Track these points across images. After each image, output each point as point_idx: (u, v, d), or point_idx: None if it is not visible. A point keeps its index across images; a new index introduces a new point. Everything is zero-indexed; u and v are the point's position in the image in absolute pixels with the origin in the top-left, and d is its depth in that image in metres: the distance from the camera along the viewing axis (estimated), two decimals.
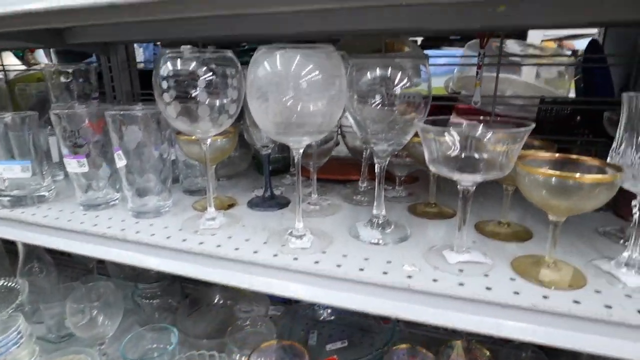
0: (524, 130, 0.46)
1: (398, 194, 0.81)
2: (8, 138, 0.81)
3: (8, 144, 0.82)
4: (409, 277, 0.51)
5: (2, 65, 1.53)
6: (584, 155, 0.50)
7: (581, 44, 2.28)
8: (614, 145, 0.50)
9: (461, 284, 0.49)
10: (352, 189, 0.84)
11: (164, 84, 0.57)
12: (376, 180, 0.62)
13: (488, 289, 0.48)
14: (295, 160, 0.59)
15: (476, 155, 0.48)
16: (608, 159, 0.50)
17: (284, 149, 0.96)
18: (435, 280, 0.50)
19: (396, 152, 0.63)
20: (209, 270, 0.61)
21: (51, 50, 1.52)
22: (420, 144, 0.66)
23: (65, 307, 0.99)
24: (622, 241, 0.60)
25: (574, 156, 0.49)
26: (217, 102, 0.59)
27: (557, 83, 1.27)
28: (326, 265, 0.55)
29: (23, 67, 1.76)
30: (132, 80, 1.29)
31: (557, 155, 0.51)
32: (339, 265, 0.55)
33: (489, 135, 0.46)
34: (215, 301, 1.26)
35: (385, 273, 0.52)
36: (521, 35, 1.41)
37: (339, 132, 0.91)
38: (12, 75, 1.62)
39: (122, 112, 0.68)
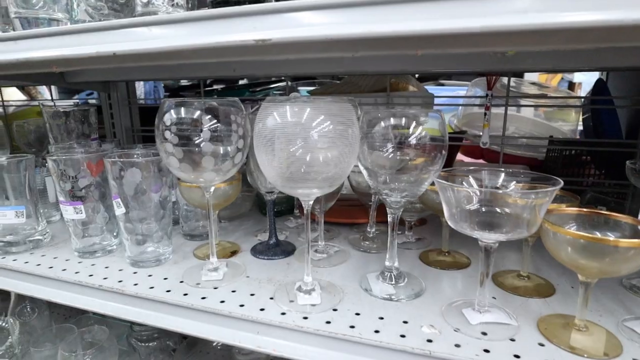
0: (552, 190, 0.43)
1: (408, 240, 0.78)
2: (4, 180, 0.78)
3: (3, 185, 0.79)
4: (429, 341, 0.48)
5: (2, 100, 1.52)
6: (601, 200, 0.48)
7: (577, 77, 2.31)
8: None
9: (487, 351, 0.45)
10: (360, 234, 0.81)
11: (167, 133, 0.55)
12: (389, 231, 0.59)
13: (517, 357, 0.44)
14: (305, 211, 0.56)
15: (501, 211, 0.45)
16: None
17: None
18: (457, 346, 0.46)
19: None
20: (212, 328, 0.57)
21: None
22: (433, 191, 0.64)
23: (57, 351, 0.94)
24: None
25: (604, 212, 0.47)
26: (222, 151, 0.57)
27: (557, 115, 1.26)
28: (339, 325, 0.51)
29: (23, 100, 1.75)
30: (132, 116, 1.28)
31: (584, 210, 0.48)
32: (352, 327, 0.51)
33: (512, 187, 0.44)
34: (214, 344, 1.21)
35: (402, 336, 0.49)
36: (516, 72, 1.42)
37: None
38: (12, 108, 1.61)
39: (121, 160, 0.65)
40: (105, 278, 0.66)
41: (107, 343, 0.99)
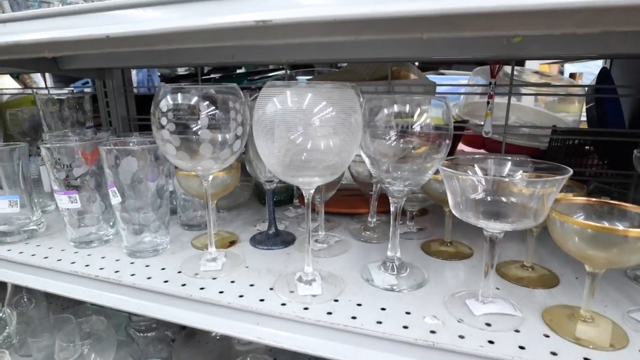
0: (561, 179, 0.42)
1: (409, 230, 0.77)
2: None
3: None
4: (432, 332, 0.47)
5: None
6: (605, 189, 0.47)
7: (577, 68, 2.29)
8: None
9: (491, 342, 0.45)
10: (361, 224, 0.80)
11: (164, 120, 0.53)
12: (391, 221, 0.58)
13: (521, 348, 0.44)
14: (306, 200, 0.54)
15: (507, 200, 0.44)
16: None
17: None
18: (461, 337, 0.46)
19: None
20: (211, 319, 0.56)
21: None
22: (435, 180, 0.63)
23: (55, 341, 0.93)
24: None
25: (612, 201, 0.46)
26: (220, 138, 0.55)
27: (557, 107, 1.25)
28: (340, 316, 0.50)
29: (17, 89, 1.72)
30: (128, 105, 1.25)
31: (592, 199, 0.47)
32: (354, 317, 0.50)
33: (519, 176, 0.43)
34: (213, 334, 1.20)
35: (405, 327, 0.48)
36: (519, 60, 1.40)
37: None
38: (6, 97, 1.58)
39: (117, 147, 0.63)
40: (101, 268, 0.65)
41: (105, 333, 0.98)
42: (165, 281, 0.60)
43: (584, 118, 1.13)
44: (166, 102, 0.54)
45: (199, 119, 0.54)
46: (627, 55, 0.92)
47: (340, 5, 0.37)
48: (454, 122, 1.16)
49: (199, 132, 0.54)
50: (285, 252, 0.70)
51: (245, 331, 0.54)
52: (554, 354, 0.43)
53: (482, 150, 1.19)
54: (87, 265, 0.66)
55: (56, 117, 0.90)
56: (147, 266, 0.65)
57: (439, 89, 1.02)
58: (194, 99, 0.54)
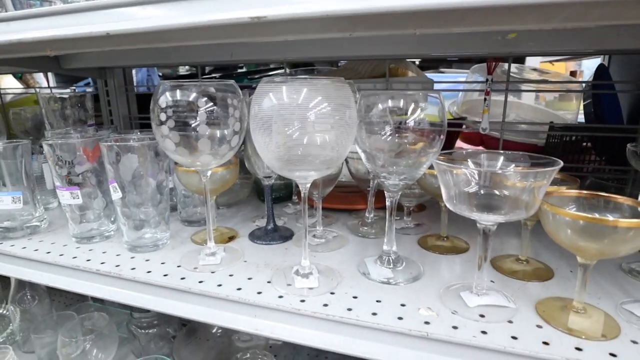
0: (552, 170, 0.42)
1: (406, 225, 0.77)
2: (0, 166, 0.78)
3: (0, 171, 0.78)
4: (427, 323, 0.47)
5: None
6: (601, 185, 0.47)
7: (578, 66, 2.29)
8: None
9: (484, 332, 0.45)
10: (359, 220, 0.81)
11: (162, 116, 0.54)
12: (387, 215, 0.58)
13: (514, 338, 0.44)
14: (302, 195, 0.55)
15: (500, 192, 0.45)
16: None
17: None
18: (455, 328, 0.46)
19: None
20: (209, 311, 0.57)
21: None
22: (431, 175, 0.64)
23: (58, 338, 0.94)
24: None
25: (603, 194, 0.46)
26: (219, 134, 0.56)
27: (558, 104, 1.25)
28: (336, 308, 0.51)
29: (20, 89, 1.73)
30: (129, 104, 1.27)
31: (584, 192, 0.48)
32: (349, 309, 0.51)
33: (512, 170, 0.43)
34: (214, 330, 1.21)
35: (400, 318, 0.49)
36: (519, 58, 1.40)
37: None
38: (9, 97, 1.60)
39: (117, 143, 0.64)
40: (102, 263, 0.66)
41: (107, 330, 0.99)
42: (165, 275, 0.61)
43: (581, 115, 1.13)
44: (165, 99, 0.55)
45: (197, 115, 0.54)
46: (623, 51, 0.92)
47: (332, 1, 0.38)
48: (453, 119, 1.18)
49: (197, 128, 0.55)
50: (283, 247, 0.71)
51: (242, 323, 0.55)
52: (545, 343, 0.43)
53: (480, 148, 1.19)
54: (88, 260, 0.67)
55: (58, 116, 0.91)
56: (147, 260, 0.66)
57: (436, 86, 1.03)
58: (193, 95, 0.54)
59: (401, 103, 0.52)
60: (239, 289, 0.56)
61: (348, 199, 0.89)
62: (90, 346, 0.98)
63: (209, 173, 0.62)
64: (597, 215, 0.45)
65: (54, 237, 0.78)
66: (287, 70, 1.42)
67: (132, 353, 1.15)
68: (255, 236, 0.74)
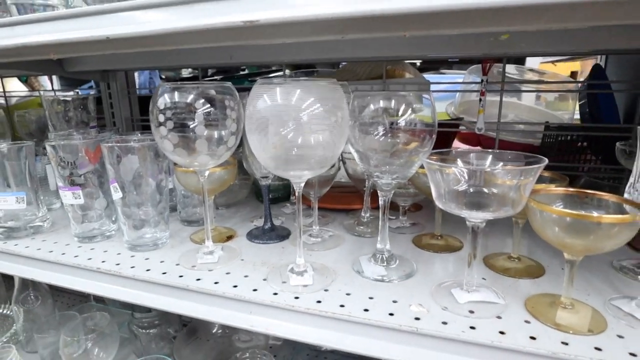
0: (536, 167, 0.43)
1: (402, 224, 0.79)
2: (4, 167, 0.80)
3: (4, 172, 0.80)
4: (417, 319, 0.49)
5: (4, 91, 1.53)
6: (595, 184, 0.48)
7: (578, 66, 2.29)
8: (632, 180, 0.48)
9: (472, 327, 0.46)
10: (355, 219, 0.82)
11: (161, 117, 0.56)
12: (380, 213, 0.60)
13: (502, 333, 0.45)
14: (297, 194, 0.57)
15: (485, 190, 0.46)
16: (625, 195, 0.48)
17: None
18: (444, 323, 0.47)
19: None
20: (206, 308, 0.58)
21: None
22: (424, 175, 0.65)
23: (60, 337, 0.96)
24: None
25: (590, 191, 0.47)
26: (216, 135, 0.58)
27: (558, 105, 1.26)
28: (329, 305, 0.52)
29: (24, 92, 1.76)
30: (131, 106, 1.29)
31: (571, 189, 0.49)
32: (342, 305, 0.52)
33: (499, 169, 0.44)
34: (214, 330, 1.23)
35: (391, 314, 0.50)
36: (519, 59, 1.41)
37: (340, 159, 0.90)
38: (13, 100, 1.62)
39: (118, 144, 0.66)
40: (103, 261, 0.67)
41: (108, 329, 1.01)
42: (164, 273, 0.63)
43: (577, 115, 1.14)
44: (164, 100, 0.56)
45: (195, 116, 0.56)
46: (617, 51, 0.93)
47: (323, 4, 0.39)
48: (450, 120, 1.19)
49: (195, 129, 0.56)
50: (280, 246, 0.72)
51: (238, 320, 0.56)
52: (532, 338, 0.44)
53: (478, 148, 1.20)
54: (89, 259, 0.69)
55: (61, 117, 0.93)
56: (146, 259, 0.68)
57: (433, 88, 1.04)
58: (190, 97, 0.56)
59: (393, 104, 0.54)
60: (235, 286, 0.58)
61: (345, 199, 0.90)
62: (92, 345, 0.99)
63: (207, 173, 0.64)
64: (582, 212, 0.46)
65: (56, 236, 0.80)
66: (287, 72, 1.43)
67: (133, 353, 1.17)
68: (253, 235, 0.76)
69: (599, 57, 1.16)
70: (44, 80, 1.98)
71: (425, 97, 0.54)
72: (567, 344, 0.43)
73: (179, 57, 0.97)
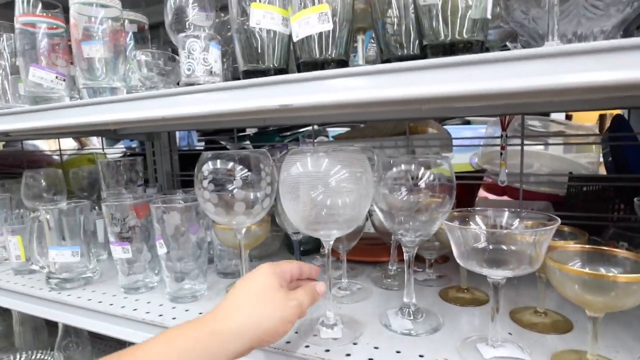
0: (549, 229, 0.46)
1: (428, 277, 0.81)
2: (62, 223, 0.89)
3: (61, 227, 0.89)
4: None
5: (60, 149, 1.70)
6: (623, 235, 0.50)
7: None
8: None
9: None
10: (382, 272, 0.85)
11: (205, 182, 0.63)
12: (405, 267, 0.63)
13: None
14: (327, 251, 0.61)
15: (504, 248, 0.49)
16: None
17: None
18: None
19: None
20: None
21: None
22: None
23: None
24: None
25: (606, 248, 0.49)
26: (252, 197, 0.64)
27: (584, 148, 1.26)
28: (358, 358, 0.55)
29: (76, 149, 1.93)
30: (172, 162, 1.40)
31: (587, 247, 0.51)
32: (370, 359, 0.54)
33: (515, 225, 0.48)
34: None
35: None
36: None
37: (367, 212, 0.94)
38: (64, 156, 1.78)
39: (165, 205, 0.73)
40: (147, 312, 0.73)
41: None
42: None
43: None
44: (207, 167, 0.64)
45: (234, 180, 0.63)
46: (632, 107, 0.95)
47: (347, 91, 0.46)
48: (474, 172, 1.22)
49: (234, 192, 0.63)
50: None
51: None
52: None
53: (505, 197, 1.22)
54: (134, 309, 0.74)
55: (113, 176, 1.03)
56: (186, 310, 0.73)
57: (455, 142, 1.09)
58: (230, 164, 0.63)
59: (413, 167, 0.58)
60: None
61: (372, 251, 0.93)
62: None
63: (244, 230, 0.70)
64: (602, 270, 0.48)
65: (104, 287, 0.87)
66: (315, 128, 1.52)
67: None
68: None
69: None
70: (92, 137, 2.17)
71: (443, 160, 0.59)
72: None
73: (215, 122, 1.07)
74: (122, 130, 1.16)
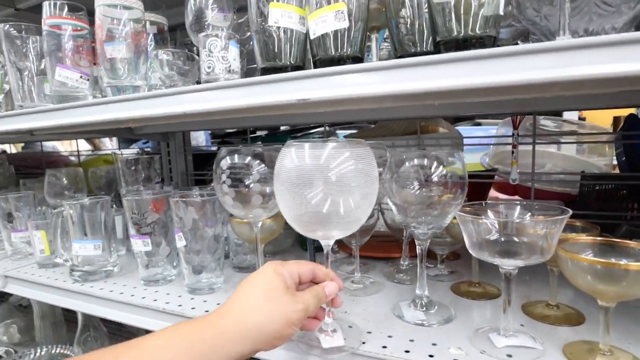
0: (561, 218, 0.48)
1: (440, 272, 0.82)
2: (83, 218, 0.92)
3: (83, 223, 0.92)
4: None
5: (77, 151, 1.75)
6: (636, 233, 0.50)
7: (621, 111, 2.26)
8: None
9: None
10: (394, 267, 0.86)
11: (223, 176, 0.65)
12: (418, 261, 0.64)
13: None
14: (325, 253, 0.59)
15: (516, 239, 0.50)
16: None
17: None
18: None
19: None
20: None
21: None
22: (459, 225, 0.69)
23: None
24: None
25: (618, 240, 0.50)
26: (268, 190, 0.66)
27: (598, 149, 1.26)
28: (372, 345, 0.56)
29: (95, 150, 1.98)
30: (186, 162, 1.43)
31: (599, 239, 0.52)
32: (384, 347, 0.56)
33: (527, 218, 0.49)
34: None
35: (431, 356, 0.53)
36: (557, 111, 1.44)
37: (379, 210, 0.95)
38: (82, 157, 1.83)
39: (183, 199, 0.76)
40: (167, 303, 0.75)
41: None
42: None
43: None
44: (225, 162, 0.66)
45: (251, 174, 0.65)
46: None
47: (362, 85, 0.47)
48: (485, 171, 1.22)
49: (251, 186, 0.65)
50: None
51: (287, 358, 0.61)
52: None
53: (516, 197, 1.22)
54: (155, 300, 0.77)
55: (131, 174, 1.07)
56: (204, 301, 0.75)
57: (466, 141, 1.10)
58: (248, 159, 0.65)
59: (426, 162, 0.60)
60: None
61: (384, 247, 0.95)
62: None
63: (260, 224, 0.72)
64: (613, 260, 0.49)
65: (125, 280, 0.89)
66: (327, 128, 1.54)
67: None
68: None
69: None
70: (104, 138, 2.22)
71: (455, 156, 0.60)
72: None
73: (230, 120, 1.09)
74: (139, 129, 1.19)
